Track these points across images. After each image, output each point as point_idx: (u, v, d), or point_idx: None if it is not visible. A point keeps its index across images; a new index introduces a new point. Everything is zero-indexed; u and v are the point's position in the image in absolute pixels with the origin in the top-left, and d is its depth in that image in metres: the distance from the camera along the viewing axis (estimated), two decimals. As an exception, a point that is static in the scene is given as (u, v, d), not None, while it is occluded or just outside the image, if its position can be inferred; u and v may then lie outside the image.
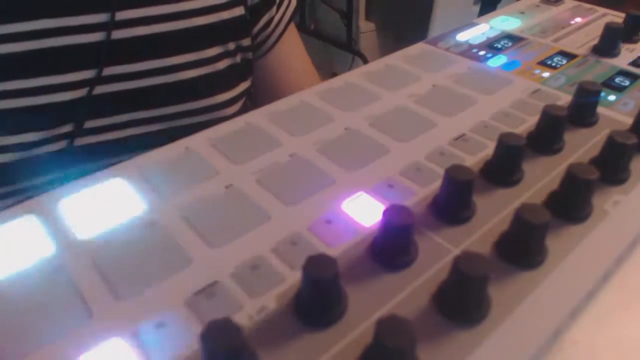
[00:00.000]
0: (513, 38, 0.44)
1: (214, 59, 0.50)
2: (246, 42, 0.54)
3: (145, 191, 0.26)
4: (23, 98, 0.41)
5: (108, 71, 0.44)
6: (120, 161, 0.38)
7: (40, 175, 0.45)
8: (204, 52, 0.49)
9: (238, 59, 0.53)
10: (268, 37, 0.57)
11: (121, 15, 0.44)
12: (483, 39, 0.43)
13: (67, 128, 0.44)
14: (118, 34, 0.44)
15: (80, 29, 0.42)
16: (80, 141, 0.45)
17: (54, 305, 0.21)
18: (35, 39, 0.40)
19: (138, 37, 0.45)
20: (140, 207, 0.25)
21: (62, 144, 0.44)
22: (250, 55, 0.55)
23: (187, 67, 0.48)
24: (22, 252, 0.23)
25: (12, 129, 0.42)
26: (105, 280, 0.22)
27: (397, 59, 0.40)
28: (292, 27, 0.61)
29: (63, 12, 0.41)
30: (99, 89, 0.44)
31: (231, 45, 0.51)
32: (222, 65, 0.51)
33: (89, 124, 0.45)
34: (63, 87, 0.42)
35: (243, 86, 0.54)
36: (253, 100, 0.65)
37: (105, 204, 0.26)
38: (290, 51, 0.61)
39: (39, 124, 0.43)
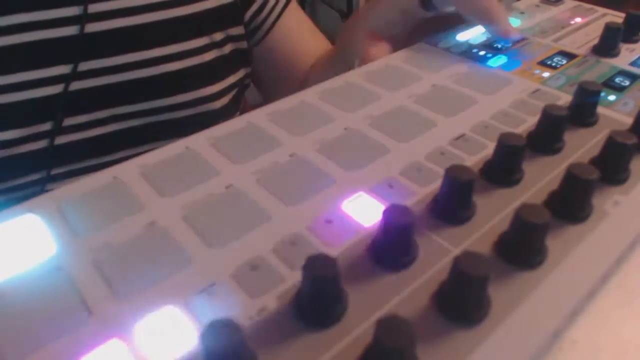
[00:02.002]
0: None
1: (198, 50, 0.48)
2: (237, 30, 0.52)
3: (146, 191, 0.26)
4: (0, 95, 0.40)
5: (85, 66, 0.43)
6: (107, 160, 0.37)
7: (24, 175, 0.44)
8: (186, 43, 0.47)
9: (227, 50, 0.51)
10: (264, 20, 0.55)
11: (95, 7, 0.42)
12: (483, 39, 0.43)
13: (46, 126, 0.43)
14: (93, 27, 0.42)
15: (54, 22, 0.41)
16: (61, 139, 0.44)
17: (54, 305, 0.21)
18: (8, 34, 0.40)
19: (114, 30, 0.43)
20: (141, 206, 0.25)
21: (42, 143, 0.43)
22: (244, 44, 0.54)
23: (169, 59, 0.46)
24: (22, 252, 0.23)
25: None
26: (105, 280, 0.22)
27: (397, 59, 0.40)
28: (294, 4, 0.58)
29: (36, 6, 0.40)
30: (76, 85, 0.43)
31: (218, 36, 0.50)
32: (208, 57, 0.49)
33: (69, 121, 0.44)
34: (39, 82, 0.41)
35: (233, 78, 0.53)
36: (265, 87, 0.62)
37: (105, 204, 0.26)
38: (293, 30, 0.58)
39: (17, 122, 0.42)
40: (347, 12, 1.71)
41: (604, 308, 0.23)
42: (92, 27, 0.43)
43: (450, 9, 0.43)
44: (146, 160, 0.29)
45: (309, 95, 0.35)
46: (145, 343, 0.19)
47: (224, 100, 0.52)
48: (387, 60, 0.40)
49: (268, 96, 0.64)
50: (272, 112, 0.33)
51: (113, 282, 0.22)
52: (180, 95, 0.48)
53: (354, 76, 0.37)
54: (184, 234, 0.24)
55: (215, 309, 0.20)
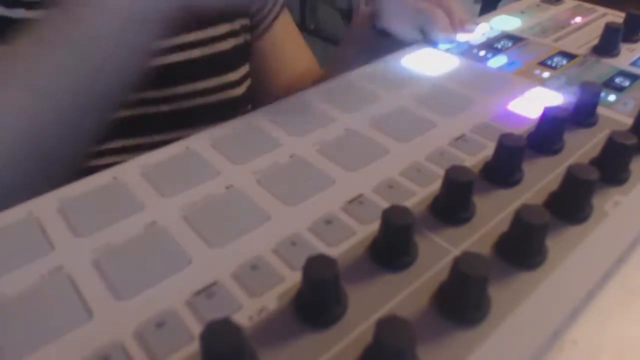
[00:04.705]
0: (513, 38, 0.44)
1: (221, 37, 0.50)
2: (246, 21, 0.54)
3: (146, 191, 0.26)
4: None
5: None
6: (132, 143, 0.37)
7: None
8: (210, 30, 0.49)
9: (242, 39, 0.53)
10: (264, 18, 0.57)
11: None
12: (483, 39, 0.43)
13: None
14: None
15: None
16: None
17: (54, 305, 0.21)
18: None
19: None
20: (141, 207, 0.25)
21: None
22: (249, 36, 0.55)
23: (195, 45, 0.48)
24: (22, 252, 0.23)
25: None
26: (105, 280, 0.22)
27: (397, 59, 0.40)
28: (286, 12, 0.61)
29: None
30: None
31: (236, 25, 0.52)
32: (228, 44, 0.51)
33: None
34: None
35: (245, 69, 0.55)
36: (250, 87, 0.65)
37: (105, 204, 0.26)
38: (285, 35, 0.61)
39: None
40: (347, 12, 1.71)
41: (604, 308, 0.23)
42: None
43: (397, 27, 0.44)
44: (146, 160, 0.29)
45: (309, 96, 0.35)
46: (146, 343, 0.19)
47: (242, 88, 0.54)
48: (387, 61, 0.40)
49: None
50: (272, 113, 0.33)
51: (113, 282, 0.22)
52: (204, 81, 0.50)
53: (354, 76, 0.37)
54: (184, 234, 0.24)
55: (215, 309, 0.20)
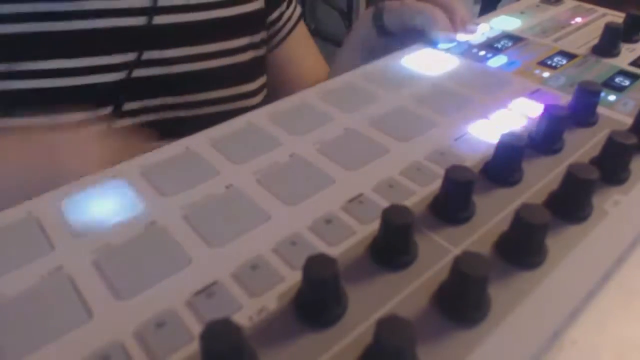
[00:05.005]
0: (513, 38, 0.44)
1: (241, 49, 0.51)
2: (264, 34, 0.55)
3: (146, 191, 0.26)
4: (66, 78, 0.42)
5: (147, 55, 0.45)
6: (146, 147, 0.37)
7: None
8: (232, 41, 0.50)
9: (261, 51, 0.55)
10: (279, 30, 0.58)
11: (164, 1, 0.45)
12: (483, 39, 0.43)
13: (104, 110, 0.45)
14: (159, 20, 0.45)
15: (125, 11, 0.44)
16: (118, 123, 0.46)
17: (54, 305, 0.21)
18: (81, 19, 0.42)
19: (177, 24, 0.46)
20: (141, 206, 0.25)
21: (98, 127, 0.45)
22: (265, 49, 0.57)
23: (217, 55, 0.49)
24: (22, 252, 0.23)
25: (52, 108, 0.43)
26: (105, 280, 0.22)
27: (397, 59, 0.40)
28: (302, 25, 0.62)
29: None
30: (137, 72, 0.45)
31: (256, 37, 0.53)
32: (247, 56, 0.52)
33: (127, 106, 0.46)
34: (105, 68, 0.44)
35: (262, 80, 0.56)
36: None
37: (105, 204, 0.26)
38: (300, 47, 0.62)
39: (79, 105, 0.44)
40: (347, 12, 1.71)
41: (604, 308, 0.23)
42: (158, 20, 0.45)
43: (399, 27, 0.46)
44: (146, 160, 0.29)
45: (309, 95, 0.35)
46: (146, 343, 0.19)
47: (259, 98, 0.55)
48: (387, 60, 0.40)
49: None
50: (272, 112, 0.33)
51: (113, 282, 0.22)
52: (222, 90, 0.51)
53: (354, 76, 0.37)
54: (184, 234, 0.24)
55: (215, 309, 0.20)
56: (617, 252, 0.24)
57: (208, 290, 0.21)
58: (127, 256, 0.23)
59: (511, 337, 0.20)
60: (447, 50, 0.42)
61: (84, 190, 0.26)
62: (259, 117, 0.33)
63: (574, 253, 0.23)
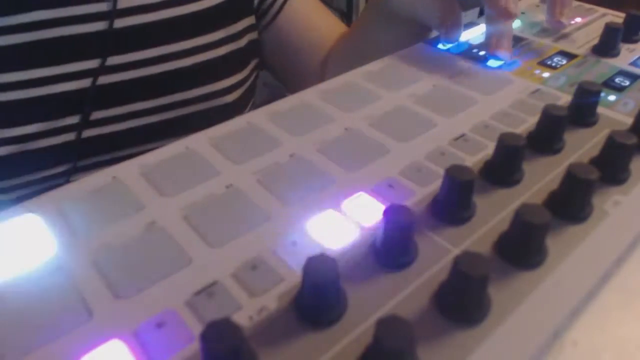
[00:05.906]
0: (513, 38, 0.44)
1: (215, 43, 0.49)
2: (250, 20, 0.53)
3: (146, 191, 0.26)
4: (26, 89, 0.41)
5: (111, 61, 0.44)
6: (123, 155, 0.37)
7: (48, 168, 0.45)
8: (201, 38, 0.48)
9: (243, 42, 0.52)
10: (272, 3, 0.56)
11: (123, 3, 0.44)
12: (483, 39, 0.43)
13: (71, 120, 0.44)
14: (120, 23, 0.44)
15: (83, 18, 0.42)
16: (85, 133, 0.45)
17: (54, 305, 0.21)
18: (37, 30, 0.40)
19: (139, 25, 0.45)
20: (141, 206, 0.25)
21: (66, 136, 0.44)
22: (256, 34, 0.54)
23: (184, 54, 0.47)
24: (22, 252, 0.23)
25: (12, 122, 0.42)
26: (105, 280, 0.22)
27: (397, 58, 0.40)
28: None
29: (65, 2, 0.41)
30: (103, 79, 0.44)
31: (234, 28, 0.51)
32: (224, 50, 0.50)
33: (93, 115, 0.45)
34: (67, 77, 0.42)
35: (246, 71, 0.54)
36: (281, 71, 0.62)
37: (105, 204, 0.26)
38: (303, 8, 0.58)
39: (42, 116, 0.43)
40: (347, 12, 1.71)
41: (604, 308, 0.23)
42: (119, 23, 0.44)
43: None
44: (146, 160, 0.29)
45: (309, 95, 0.35)
46: (146, 343, 0.19)
47: (236, 94, 0.53)
48: (387, 60, 0.40)
49: (286, 80, 0.63)
50: (272, 112, 0.33)
51: (113, 282, 0.22)
52: (194, 89, 0.49)
53: (354, 76, 0.37)
54: (184, 234, 0.24)
55: (215, 309, 0.20)
56: (617, 252, 0.24)
57: (208, 290, 0.21)
58: (127, 256, 0.23)
59: (511, 338, 0.20)
60: (447, 50, 0.42)
61: (83, 190, 0.26)
62: (259, 117, 0.33)
63: (574, 253, 0.23)
